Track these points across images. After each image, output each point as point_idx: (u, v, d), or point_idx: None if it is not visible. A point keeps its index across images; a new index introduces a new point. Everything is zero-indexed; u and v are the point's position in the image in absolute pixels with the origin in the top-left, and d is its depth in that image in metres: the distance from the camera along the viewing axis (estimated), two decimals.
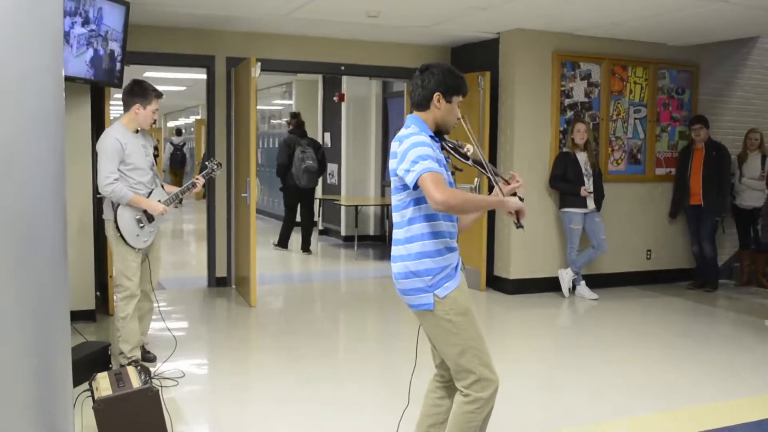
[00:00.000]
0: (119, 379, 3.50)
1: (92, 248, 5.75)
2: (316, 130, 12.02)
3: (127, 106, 4.50)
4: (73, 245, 5.33)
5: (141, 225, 4.48)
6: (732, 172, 7.52)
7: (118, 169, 4.37)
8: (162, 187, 4.67)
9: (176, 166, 17.18)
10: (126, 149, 4.38)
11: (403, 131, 2.84)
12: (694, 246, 7.51)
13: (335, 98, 10.83)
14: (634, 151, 7.51)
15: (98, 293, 6.17)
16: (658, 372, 4.83)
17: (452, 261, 2.79)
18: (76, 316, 5.45)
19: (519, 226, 2.83)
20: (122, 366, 4.37)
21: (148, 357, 4.76)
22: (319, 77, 11.52)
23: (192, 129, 19.67)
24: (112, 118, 6.44)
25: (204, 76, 7.24)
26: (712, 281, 7.43)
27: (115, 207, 4.42)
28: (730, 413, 4.03)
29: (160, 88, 4.64)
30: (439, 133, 2.87)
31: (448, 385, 2.97)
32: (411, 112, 2.90)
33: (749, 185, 7.45)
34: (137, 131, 4.53)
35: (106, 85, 5.61)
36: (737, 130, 8.00)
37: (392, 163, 2.82)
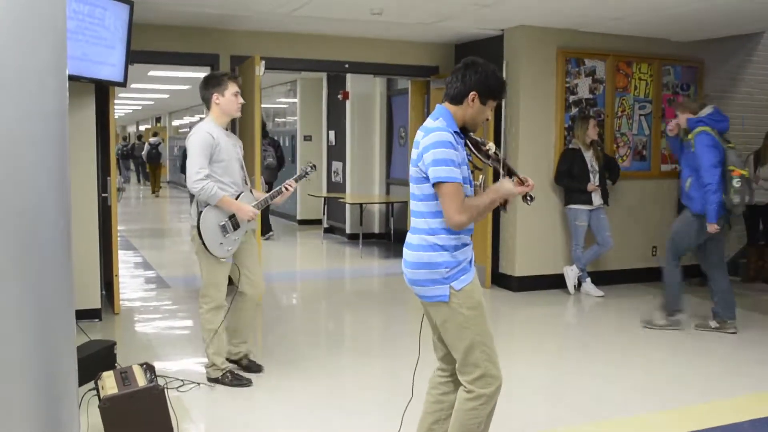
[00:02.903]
0: (125, 377, 3.51)
1: (98, 247, 5.77)
2: (320, 128, 12.04)
3: (207, 103, 4.21)
4: (79, 244, 5.34)
5: (225, 233, 4.11)
6: None
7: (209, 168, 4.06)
8: (251, 191, 4.33)
9: (152, 162, 20.04)
10: (219, 143, 4.09)
11: (430, 122, 2.80)
12: None
13: (339, 96, 10.83)
14: (639, 147, 7.49)
15: (104, 292, 6.19)
16: (663, 369, 4.82)
17: (468, 255, 2.80)
18: (82, 315, 5.47)
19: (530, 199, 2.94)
20: (211, 379, 4.28)
21: (254, 367, 4.51)
22: (324, 75, 11.51)
23: None
24: (116, 117, 6.45)
25: None
26: None
27: (198, 210, 4.08)
28: (736, 410, 4.02)
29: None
30: (464, 130, 2.85)
31: (450, 380, 2.96)
32: (442, 102, 2.84)
33: (766, 187, 7.38)
34: (227, 129, 4.26)
35: (110, 84, 5.61)
36: (742, 126, 7.96)
37: (414, 153, 2.79)
